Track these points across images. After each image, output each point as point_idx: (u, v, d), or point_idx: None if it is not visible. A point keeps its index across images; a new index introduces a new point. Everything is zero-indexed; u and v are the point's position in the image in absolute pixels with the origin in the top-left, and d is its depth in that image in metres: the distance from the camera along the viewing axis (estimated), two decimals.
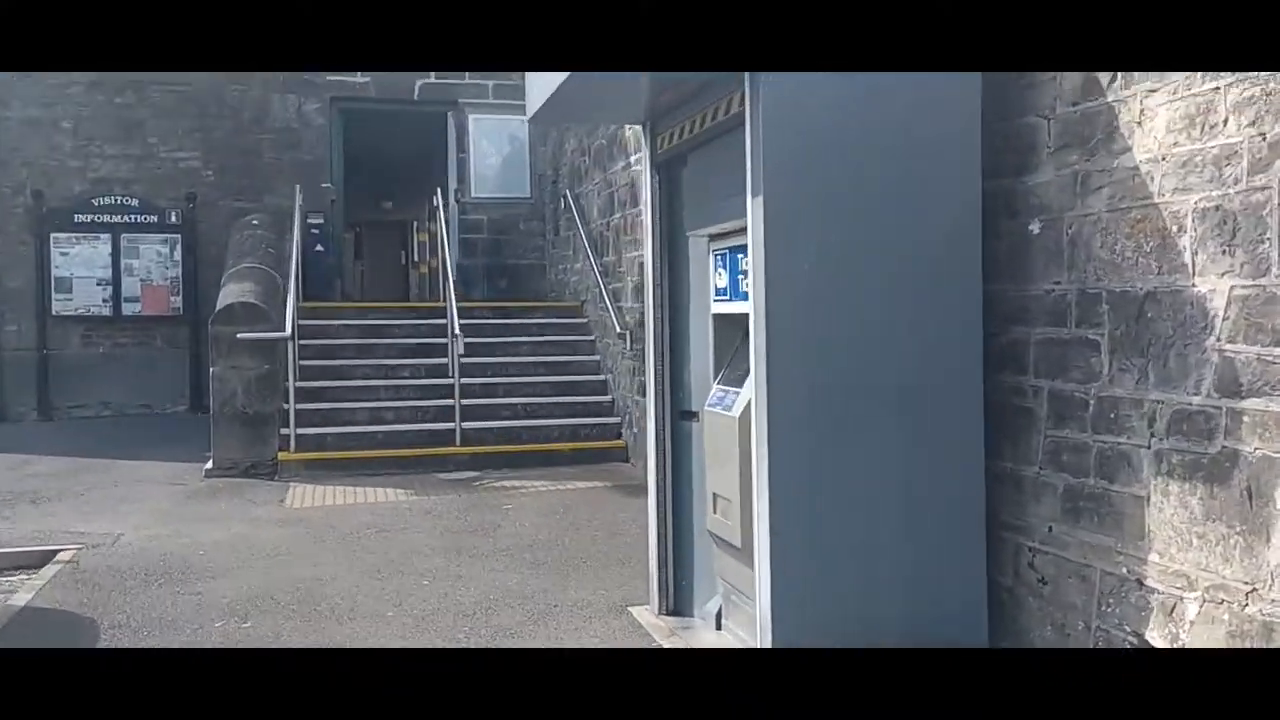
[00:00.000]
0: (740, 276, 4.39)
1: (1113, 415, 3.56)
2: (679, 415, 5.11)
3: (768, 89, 3.71)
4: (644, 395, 9.25)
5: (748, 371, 4.43)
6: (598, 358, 10.87)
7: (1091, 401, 3.67)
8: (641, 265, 9.22)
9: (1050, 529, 3.87)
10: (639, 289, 9.18)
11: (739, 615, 4.61)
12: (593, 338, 11.11)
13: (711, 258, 4.74)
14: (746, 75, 3.78)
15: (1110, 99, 3.58)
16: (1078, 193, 3.74)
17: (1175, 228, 3.31)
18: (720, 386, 4.68)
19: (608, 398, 10.37)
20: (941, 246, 3.94)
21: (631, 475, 9.04)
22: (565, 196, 11.97)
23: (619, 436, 9.96)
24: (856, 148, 3.82)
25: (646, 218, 5.12)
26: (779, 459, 3.79)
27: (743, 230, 4.22)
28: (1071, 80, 3.76)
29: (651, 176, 5.07)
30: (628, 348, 9.51)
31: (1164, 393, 3.34)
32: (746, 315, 4.30)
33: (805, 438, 3.82)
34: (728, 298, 4.58)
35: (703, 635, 4.86)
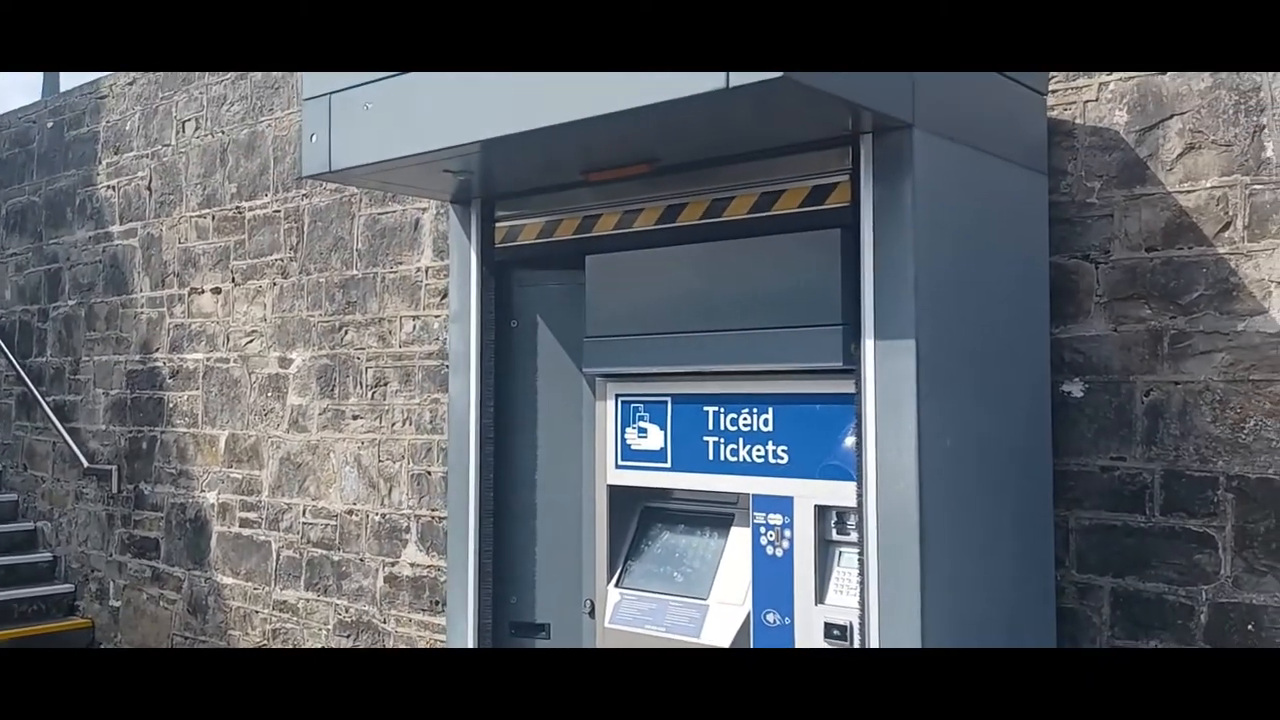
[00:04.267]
0: (717, 441, 3.05)
1: (1250, 627, 2.97)
2: (512, 630, 3.48)
3: (925, 165, 2.56)
4: (131, 554, 6.77)
5: (706, 576, 3.14)
6: (14, 497, 7.81)
7: (1202, 609, 3.05)
8: (131, 373, 6.83)
9: None
10: (121, 407, 6.79)
11: None
12: None
13: (615, 406, 3.29)
14: (866, 133, 2.59)
15: (1222, 250, 3.06)
16: (1161, 354, 3.15)
17: None
18: (636, 593, 3.23)
19: (44, 556, 7.43)
20: (1024, 410, 3.08)
21: None
22: None
23: (74, 611, 7.15)
24: (972, 267, 2.83)
25: (468, 339, 3.45)
26: None
27: (727, 377, 2.98)
28: (1143, 222, 3.19)
29: (479, 280, 3.45)
30: (114, 489, 6.88)
31: None
32: (703, 493, 3.14)
33: None
34: (666, 465, 3.18)
35: None
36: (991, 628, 2.83)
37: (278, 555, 5.87)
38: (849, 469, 2.72)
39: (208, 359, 6.36)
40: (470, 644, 3.42)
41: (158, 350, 6.70)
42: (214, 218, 6.35)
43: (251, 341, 6.09)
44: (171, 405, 6.58)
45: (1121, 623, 3.18)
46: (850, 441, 2.70)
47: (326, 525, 5.61)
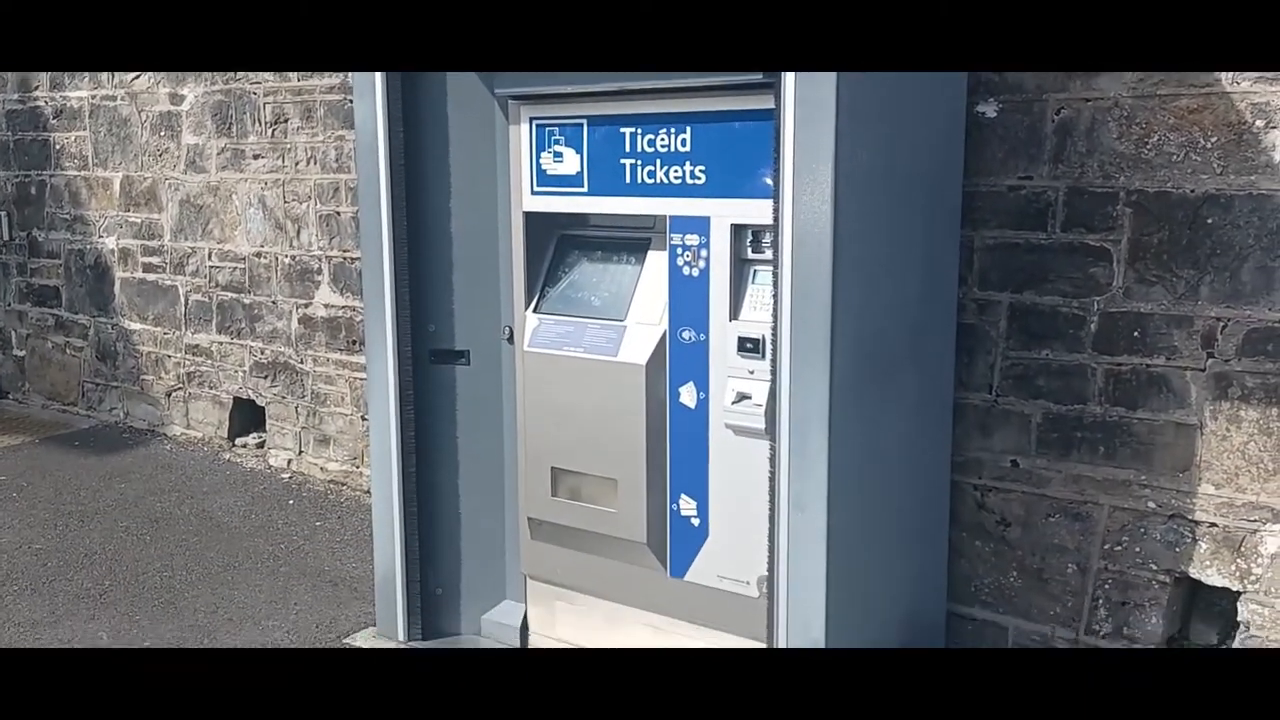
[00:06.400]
0: (634, 163, 3.03)
1: (1136, 334, 3.14)
2: (432, 357, 3.52)
3: None
4: (31, 302, 6.58)
5: (623, 299, 3.19)
6: None
7: (1093, 319, 3.21)
8: (11, 114, 6.43)
9: (1015, 463, 3.38)
10: (4, 150, 6.50)
11: (572, 618, 3.43)
12: None
13: (529, 130, 3.23)
14: None
15: None
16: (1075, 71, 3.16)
17: (1260, 122, 2.93)
18: (554, 318, 3.28)
19: None
20: (938, 131, 3.10)
21: (38, 417, 6.45)
22: None
23: None
24: None
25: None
26: (840, 432, 2.70)
27: (651, 94, 2.93)
28: None
29: None
30: (6, 236, 6.61)
31: (1234, 309, 2.99)
32: (623, 217, 3.16)
33: (854, 400, 2.77)
34: (582, 190, 3.16)
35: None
36: (895, 343, 2.95)
37: (186, 300, 5.78)
38: (766, 187, 2.73)
39: (93, 97, 6.01)
40: (391, 376, 3.46)
41: (37, 88, 6.30)
42: None
43: (138, 77, 5.75)
44: (58, 147, 6.26)
45: (1016, 335, 3.34)
46: (768, 159, 2.70)
47: (234, 268, 5.52)
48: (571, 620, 3.46)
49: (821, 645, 2.75)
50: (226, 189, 5.46)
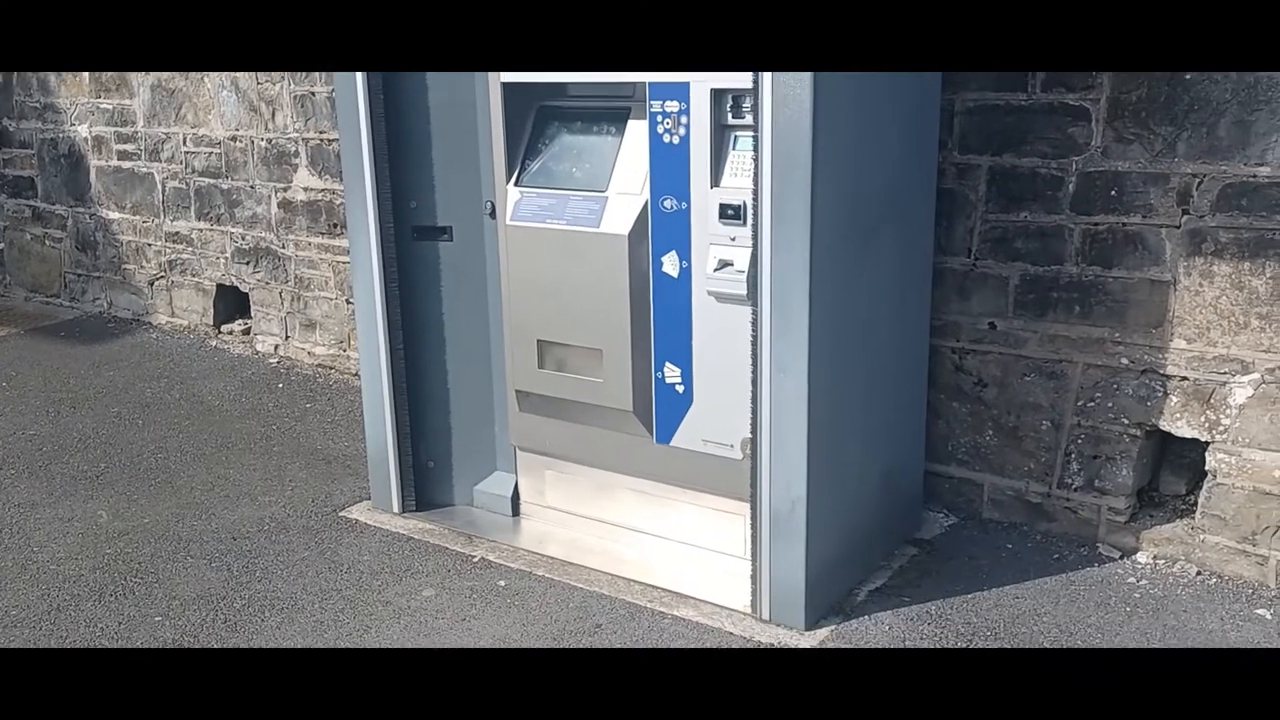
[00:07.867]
0: None
1: (1113, 193, 3.17)
2: (414, 234, 3.53)
3: None
4: (6, 193, 6.52)
5: (604, 170, 3.19)
6: None
7: (1071, 179, 3.23)
8: None
9: (992, 325, 3.44)
10: None
11: (562, 487, 3.53)
12: None
13: None
14: None
15: None
16: None
17: None
18: (536, 191, 3.29)
19: None
20: None
21: (21, 309, 6.44)
22: None
23: None
24: None
25: None
26: (821, 295, 2.74)
27: None
28: None
29: None
30: None
31: (1210, 164, 3.02)
32: (596, 87, 3.15)
33: (835, 264, 2.81)
34: None
35: (499, 525, 3.60)
36: (876, 207, 2.98)
37: (163, 187, 5.73)
38: None
39: None
40: (374, 253, 3.47)
41: None
42: None
43: None
44: None
45: (995, 198, 3.36)
46: None
47: (210, 153, 5.46)
48: (561, 489, 3.56)
49: (803, 503, 2.85)
50: (197, 71, 5.36)
